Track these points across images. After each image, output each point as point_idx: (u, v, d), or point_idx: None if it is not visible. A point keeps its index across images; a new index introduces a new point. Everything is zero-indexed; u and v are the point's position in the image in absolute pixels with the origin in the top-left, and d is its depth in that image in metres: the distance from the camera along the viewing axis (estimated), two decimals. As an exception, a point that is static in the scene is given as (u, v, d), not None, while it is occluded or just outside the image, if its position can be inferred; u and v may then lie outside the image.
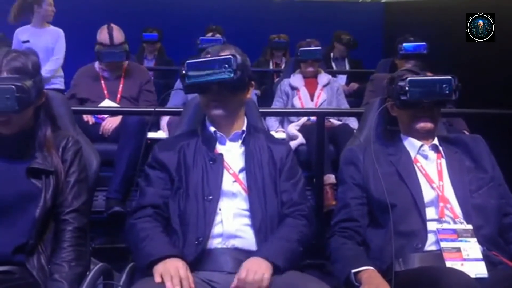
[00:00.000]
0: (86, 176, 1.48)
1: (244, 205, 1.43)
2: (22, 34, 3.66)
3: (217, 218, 1.39)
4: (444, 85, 1.51)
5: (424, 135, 1.57)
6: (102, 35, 2.86)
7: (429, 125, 1.55)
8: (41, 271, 1.31)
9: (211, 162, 1.45)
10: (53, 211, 1.37)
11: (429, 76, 1.56)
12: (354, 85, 4.37)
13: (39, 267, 1.31)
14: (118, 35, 2.87)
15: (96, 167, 1.57)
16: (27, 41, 3.59)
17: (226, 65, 1.40)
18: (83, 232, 1.41)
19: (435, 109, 1.57)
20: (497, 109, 2.70)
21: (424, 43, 3.09)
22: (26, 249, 1.30)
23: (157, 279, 1.23)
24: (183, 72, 1.43)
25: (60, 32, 3.74)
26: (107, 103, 2.80)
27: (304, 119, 3.06)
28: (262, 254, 1.32)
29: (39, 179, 1.36)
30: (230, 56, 1.41)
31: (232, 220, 1.40)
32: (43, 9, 3.66)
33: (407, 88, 1.52)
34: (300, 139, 2.88)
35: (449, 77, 1.53)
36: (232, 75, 1.40)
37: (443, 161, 1.56)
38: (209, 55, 1.48)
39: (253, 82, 1.56)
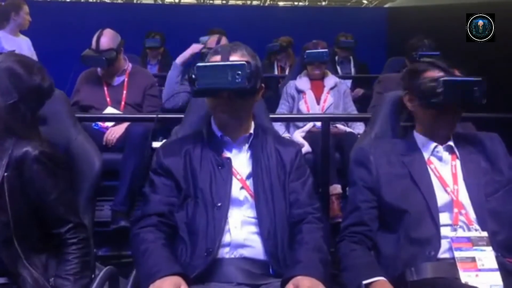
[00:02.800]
0: (67, 183, 1.39)
1: (252, 212, 1.38)
2: (7, 42, 3.58)
3: (225, 227, 1.34)
4: (475, 88, 1.43)
5: (441, 137, 1.52)
6: (93, 39, 2.83)
7: (449, 129, 1.51)
8: (36, 284, 1.26)
9: (219, 167, 1.41)
10: (29, 233, 1.30)
11: (461, 77, 1.49)
12: (360, 91, 4.32)
13: (33, 281, 1.26)
14: (107, 41, 2.80)
15: (98, 169, 1.53)
16: (13, 51, 3.55)
17: (239, 72, 1.33)
18: (86, 240, 1.38)
19: (458, 111, 1.50)
20: (504, 113, 2.66)
21: (437, 52, 3.03)
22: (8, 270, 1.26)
23: None
24: (193, 76, 1.36)
25: (29, 41, 3.73)
26: (109, 110, 2.77)
27: (310, 125, 3.02)
28: (303, 272, 1.22)
29: None
30: (244, 63, 1.35)
31: (240, 229, 1.36)
32: (21, 17, 3.63)
33: (440, 90, 1.41)
34: (306, 147, 2.83)
35: (480, 78, 1.44)
36: (245, 83, 1.33)
37: (458, 163, 1.50)
38: (218, 57, 1.43)
39: (263, 85, 1.49)
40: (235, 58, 1.41)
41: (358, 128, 3.00)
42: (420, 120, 1.55)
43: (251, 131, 1.48)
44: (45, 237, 1.33)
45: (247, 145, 1.47)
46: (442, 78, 1.43)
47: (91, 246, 1.42)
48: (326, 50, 3.28)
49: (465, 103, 1.47)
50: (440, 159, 1.51)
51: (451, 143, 1.53)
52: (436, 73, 1.49)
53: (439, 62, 1.55)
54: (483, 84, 1.44)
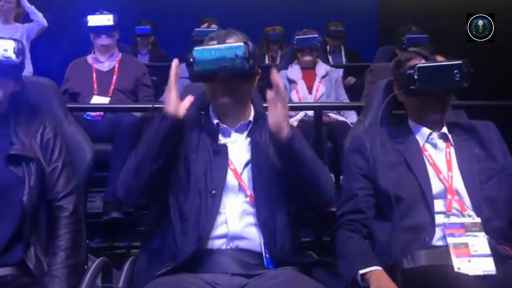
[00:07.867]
0: (70, 159, 1.44)
1: (249, 201, 1.37)
2: None
3: (221, 218, 1.33)
4: (455, 71, 1.43)
5: (432, 123, 1.52)
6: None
7: (438, 115, 1.50)
8: (38, 264, 1.26)
9: (215, 155, 1.39)
10: (43, 199, 1.33)
11: (439, 62, 1.49)
12: (351, 79, 4.31)
13: (36, 260, 1.27)
14: (109, 14, 2.90)
15: (90, 159, 1.52)
16: None
17: (238, 53, 1.31)
18: (78, 216, 1.39)
19: (445, 96, 1.50)
20: (500, 101, 2.67)
21: (425, 35, 3.05)
22: (22, 240, 1.26)
23: None
24: (191, 59, 1.33)
25: (24, 27, 3.69)
26: (96, 100, 2.73)
27: (301, 114, 3.00)
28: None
29: (20, 166, 1.32)
30: (242, 44, 1.33)
31: (237, 220, 1.34)
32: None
33: (416, 77, 1.43)
34: (299, 136, 2.83)
35: (460, 62, 1.45)
36: (244, 64, 1.31)
37: (452, 150, 1.49)
38: (214, 42, 1.40)
39: (259, 70, 1.47)
40: (231, 41, 1.39)
41: (351, 117, 3.00)
42: (409, 107, 1.56)
43: (251, 118, 1.47)
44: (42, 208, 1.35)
45: (246, 132, 1.45)
46: (417, 65, 1.45)
47: (82, 224, 1.42)
48: (316, 35, 3.23)
49: (447, 87, 1.47)
50: (434, 146, 1.51)
51: (445, 130, 1.53)
52: (418, 61, 1.50)
53: (422, 50, 1.55)
54: (464, 68, 1.44)
